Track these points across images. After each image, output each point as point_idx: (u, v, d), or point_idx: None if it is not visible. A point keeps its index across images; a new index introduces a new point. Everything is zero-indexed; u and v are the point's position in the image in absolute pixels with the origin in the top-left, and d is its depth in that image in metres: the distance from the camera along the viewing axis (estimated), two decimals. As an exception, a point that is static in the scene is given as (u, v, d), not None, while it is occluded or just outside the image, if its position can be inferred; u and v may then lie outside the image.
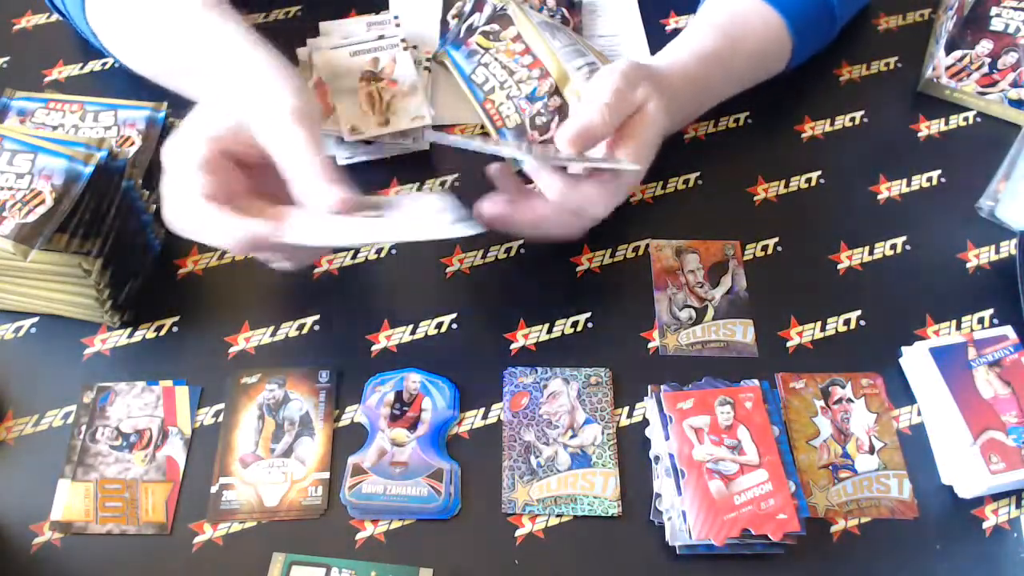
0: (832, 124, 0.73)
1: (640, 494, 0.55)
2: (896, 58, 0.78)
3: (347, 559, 0.52)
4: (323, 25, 0.74)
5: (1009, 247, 0.67)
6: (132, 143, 0.63)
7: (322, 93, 0.68)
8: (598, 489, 0.55)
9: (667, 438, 0.55)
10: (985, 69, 0.72)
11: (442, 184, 0.69)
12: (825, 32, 0.74)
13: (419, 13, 0.77)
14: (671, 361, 0.61)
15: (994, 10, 0.71)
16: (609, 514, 0.54)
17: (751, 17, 0.69)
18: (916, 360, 0.59)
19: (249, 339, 0.61)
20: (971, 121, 0.74)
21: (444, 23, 0.76)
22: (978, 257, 0.66)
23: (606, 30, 0.79)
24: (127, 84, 0.73)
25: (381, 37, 0.71)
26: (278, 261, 0.58)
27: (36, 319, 0.61)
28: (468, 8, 0.75)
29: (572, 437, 0.57)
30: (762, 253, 0.66)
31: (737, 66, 0.69)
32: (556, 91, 0.69)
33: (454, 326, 0.62)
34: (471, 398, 0.59)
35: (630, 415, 0.58)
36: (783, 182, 0.70)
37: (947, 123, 0.74)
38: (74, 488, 0.55)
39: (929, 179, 0.71)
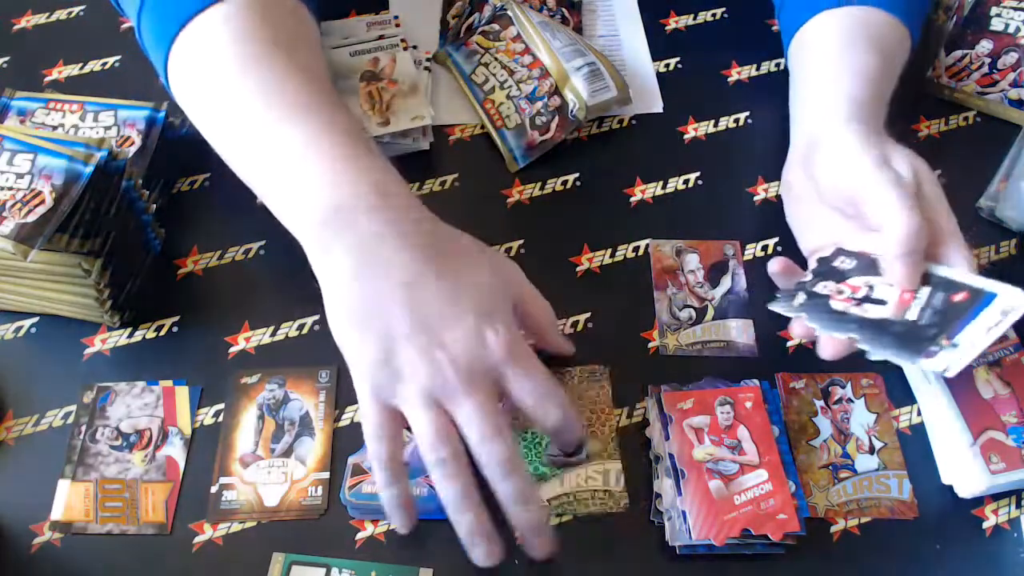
0: (832, 124, 0.73)
1: (640, 494, 0.55)
2: (896, 58, 0.78)
3: (347, 559, 0.52)
4: (323, 25, 0.74)
5: (1009, 247, 0.67)
6: (132, 143, 0.63)
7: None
8: (606, 482, 0.55)
9: (667, 438, 0.55)
10: (985, 69, 0.72)
11: (442, 184, 0.69)
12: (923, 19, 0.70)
13: (419, 13, 0.77)
14: (671, 361, 0.61)
15: (994, 10, 0.71)
16: (621, 505, 0.54)
17: (884, 27, 0.63)
18: (916, 360, 0.59)
19: (249, 339, 0.61)
20: (971, 121, 0.74)
21: (444, 23, 0.76)
22: (978, 257, 0.66)
23: (606, 30, 0.79)
24: (127, 84, 0.74)
25: (381, 37, 0.71)
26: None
27: (36, 319, 0.61)
28: (468, 8, 0.75)
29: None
30: (762, 253, 0.66)
31: (894, 70, 0.64)
32: (556, 91, 0.69)
33: (454, 326, 0.62)
34: (471, 398, 0.59)
35: (630, 415, 0.58)
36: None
37: (947, 123, 0.74)
38: (74, 488, 0.55)
39: (929, 179, 0.70)
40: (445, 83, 0.73)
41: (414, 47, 0.73)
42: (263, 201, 0.55)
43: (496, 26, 0.73)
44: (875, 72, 0.60)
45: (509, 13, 0.73)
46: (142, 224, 0.61)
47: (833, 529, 0.55)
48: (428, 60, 0.74)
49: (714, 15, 0.81)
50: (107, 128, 0.64)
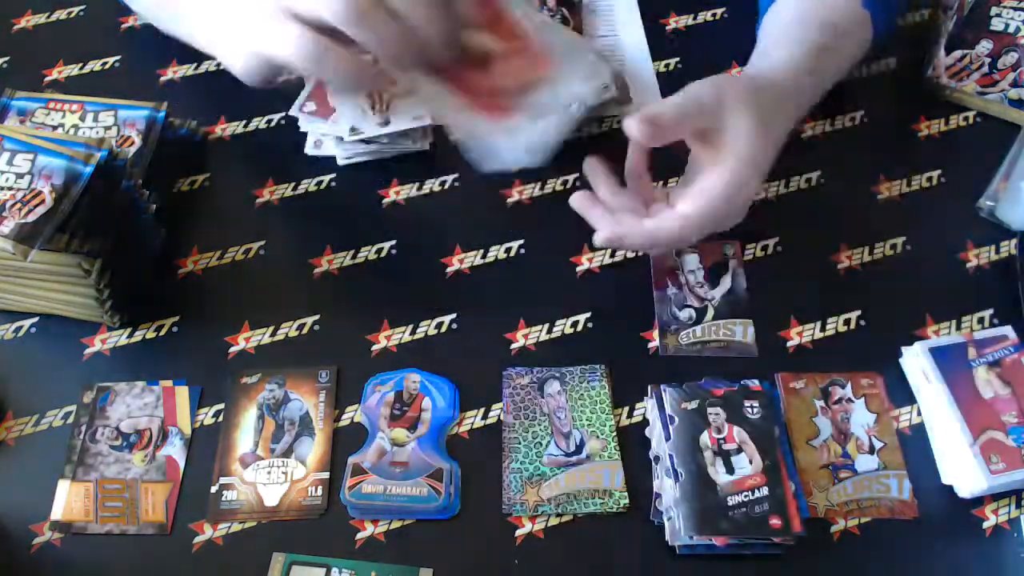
0: (832, 124, 0.73)
1: (640, 494, 0.55)
2: (896, 58, 0.78)
3: (347, 559, 0.52)
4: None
5: (1009, 247, 0.67)
6: (132, 143, 0.63)
7: (323, 93, 0.68)
8: (606, 482, 0.55)
9: (667, 438, 0.55)
10: (985, 69, 0.72)
11: (442, 184, 0.69)
12: (895, 15, 0.73)
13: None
14: (671, 361, 0.61)
15: (994, 10, 0.71)
16: (621, 505, 0.54)
17: (841, 8, 0.66)
18: (916, 360, 0.59)
19: (249, 339, 0.61)
20: (971, 121, 0.74)
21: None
22: (978, 257, 0.66)
23: (606, 30, 0.79)
24: (127, 84, 0.74)
25: None
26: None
27: (36, 319, 0.61)
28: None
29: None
30: (762, 253, 0.66)
31: (836, 64, 0.66)
32: (556, 91, 0.69)
33: (454, 326, 0.62)
34: (471, 398, 0.59)
35: (630, 415, 0.58)
36: (783, 182, 0.70)
37: (947, 123, 0.74)
38: (74, 488, 0.55)
39: (929, 179, 0.70)
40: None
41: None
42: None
43: (496, 26, 0.73)
44: (814, 47, 0.63)
45: (509, 13, 0.73)
46: (142, 224, 0.61)
47: (833, 529, 0.55)
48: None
49: (714, 15, 0.81)
50: (107, 128, 0.64)
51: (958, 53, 0.73)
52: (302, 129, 0.69)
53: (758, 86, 0.58)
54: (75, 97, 0.65)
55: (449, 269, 0.65)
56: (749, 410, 0.56)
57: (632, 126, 0.54)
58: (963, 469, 0.55)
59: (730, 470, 0.53)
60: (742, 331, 0.62)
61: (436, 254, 0.65)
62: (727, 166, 0.54)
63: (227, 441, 0.57)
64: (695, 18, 0.81)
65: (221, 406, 0.58)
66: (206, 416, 0.58)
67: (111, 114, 0.65)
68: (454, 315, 0.62)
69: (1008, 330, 0.59)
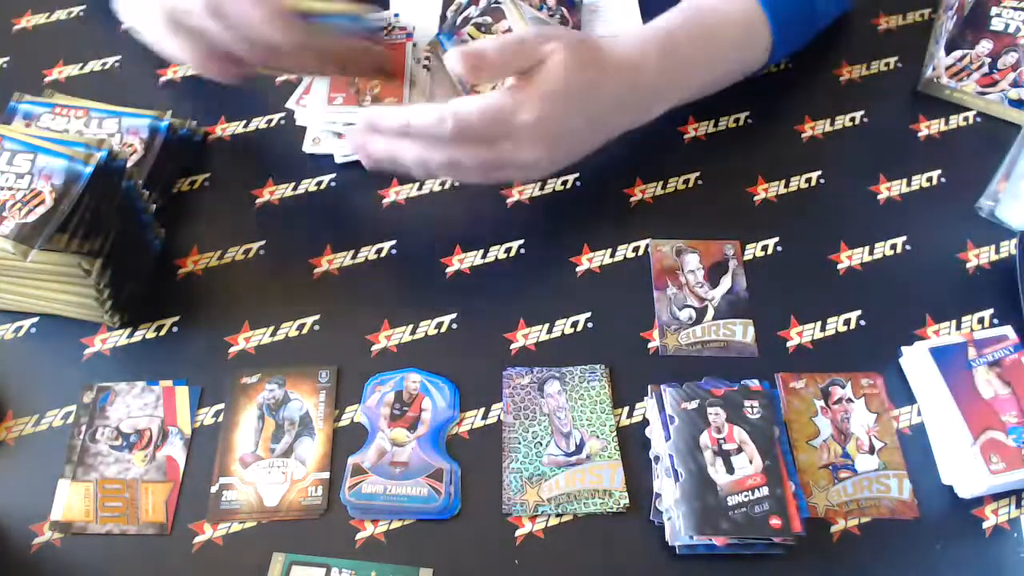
0: (832, 124, 0.73)
1: (640, 494, 0.55)
2: (896, 58, 0.78)
3: (347, 559, 0.52)
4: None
5: (1009, 247, 0.67)
6: (134, 151, 0.64)
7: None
8: (606, 482, 0.55)
9: (667, 438, 0.55)
10: (985, 69, 0.72)
11: (442, 184, 0.69)
12: (806, 28, 0.73)
13: (419, 12, 0.77)
14: (671, 361, 0.61)
15: (994, 10, 0.71)
16: (621, 505, 0.54)
17: (728, 4, 0.67)
18: (916, 360, 0.59)
19: (249, 339, 0.61)
20: (971, 121, 0.74)
21: (443, 20, 0.76)
22: (978, 257, 0.66)
23: (606, 30, 0.79)
24: (127, 84, 0.74)
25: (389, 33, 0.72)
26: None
27: (36, 319, 0.61)
28: (466, 1, 0.76)
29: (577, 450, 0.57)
30: (762, 253, 0.66)
31: (710, 52, 0.67)
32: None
33: (454, 326, 0.62)
34: (471, 398, 0.59)
35: (630, 415, 0.58)
36: (783, 182, 0.70)
37: (947, 123, 0.74)
38: (74, 488, 0.55)
39: (929, 179, 0.70)
40: (441, 76, 0.73)
41: (414, 44, 0.73)
42: None
43: (489, 19, 0.73)
44: (676, 22, 0.65)
45: (502, 6, 0.73)
46: (142, 224, 0.61)
47: (833, 529, 0.55)
48: (427, 59, 0.74)
49: (714, 15, 0.81)
50: (111, 135, 0.64)
51: (958, 53, 0.73)
52: (299, 123, 0.70)
53: (588, 42, 0.60)
54: (81, 103, 0.66)
55: (449, 269, 0.65)
56: (749, 410, 0.56)
57: (454, 61, 0.56)
58: (963, 469, 0.55)
59: (730, 470, 0.53)
60: (742, 331, 0.62)
61: (436, 254, 0.65)
62: (514, 87, 0.57)
63: (227, 441, 0.57)
64: (695, 18, 0.80)
65: (221, 406, 0.58)
66: (206, 416, 0.58)
67: (115, 121, 0.65)
68: (454, 315, 0.62)
69: (1008, 330, 0.59)
